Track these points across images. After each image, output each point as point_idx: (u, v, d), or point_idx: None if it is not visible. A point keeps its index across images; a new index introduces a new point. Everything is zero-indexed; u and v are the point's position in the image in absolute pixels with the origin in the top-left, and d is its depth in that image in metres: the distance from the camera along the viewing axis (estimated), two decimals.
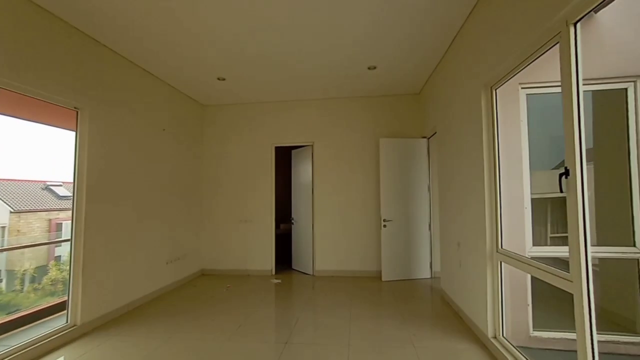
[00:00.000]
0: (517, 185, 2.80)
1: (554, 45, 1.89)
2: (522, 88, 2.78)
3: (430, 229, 4.91)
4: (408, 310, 3.62)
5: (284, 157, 6.72)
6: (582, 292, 1.75)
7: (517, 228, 2.81)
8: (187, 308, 3.81)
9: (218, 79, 4.41)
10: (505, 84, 2.54)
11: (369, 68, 4.10)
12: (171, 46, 3.46)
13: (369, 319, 3.41)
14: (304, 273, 5.43)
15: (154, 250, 4.22)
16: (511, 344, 2.53)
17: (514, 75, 2.36)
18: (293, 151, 5.88)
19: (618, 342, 2.81)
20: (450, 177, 3.68)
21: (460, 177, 3.33)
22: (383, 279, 4.78)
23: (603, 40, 2.80)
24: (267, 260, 5.38)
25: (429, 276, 4.90)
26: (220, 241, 5.49)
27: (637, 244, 2.80)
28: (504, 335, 2.66)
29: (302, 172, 5.60)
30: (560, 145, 3.51)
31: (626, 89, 2.79)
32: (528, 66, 2.22)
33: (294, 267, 5.74)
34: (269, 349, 2.77)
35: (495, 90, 2.61)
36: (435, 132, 4.29)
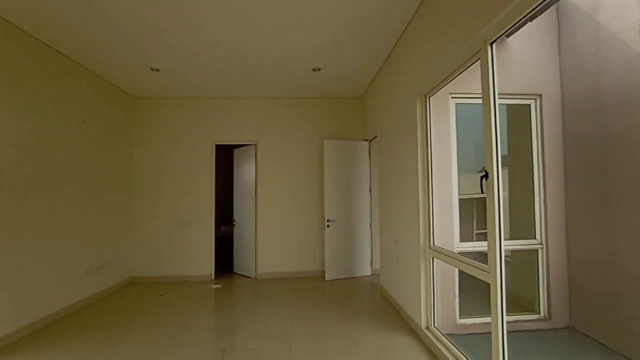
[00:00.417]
0: (447, 186, 3.06)
1: (476, 61, 2.10)
2: (452, 98, 3.06)
3: (371, 228, 5.14)
4: (349, 308, 3.73)
5: (225, 156, 6.43)
6: (497, 281, 1.97)
7: (447, 226, 3.08)
8: (113, 321, 3.40)
9: (151, 69, 4.04)
10: (438, 92, 2.77)
11: (313, 69, 4.13)
12: (95, 31, 3.06)
13: (311, 319, 3.43)
14: (246, 276, 5.26)
15: (69, 259, 3.69)
16: (441, 333, 2.76)
17: (444, 85, 2.58)
18: (235, 150, 5.67)
19: (522, 321, 3.25)
20: (389, 179, 3.89)
21: (398, 178, 3.54)
22: (326, 279, 4.86)
23: (513, 62, 3.23)
24: (206, 264, 5.09)
25: (370, 273, 5.12)
26: (153, 246, 5.03)
27: (536, 237, 3.28)
28: (435, 325, 2.89)
29: (245, 172, 5.42)
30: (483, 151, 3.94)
31: (530, 105, 3.26)
32: (457, 77, 2.45)
33: (235, 270, 5.53)
34: (205, 359, 2.61)
35: (429, 98, 2.83)
36: (376, 136, 4.50)
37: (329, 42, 3.42)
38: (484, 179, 2.02)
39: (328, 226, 4.85)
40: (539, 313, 3.30)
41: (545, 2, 1.57)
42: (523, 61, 3.26)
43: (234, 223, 5.59)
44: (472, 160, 3.67)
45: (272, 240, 5.16)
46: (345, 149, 5.05)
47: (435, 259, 2.86)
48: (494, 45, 1.96)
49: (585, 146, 3.06)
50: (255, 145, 5.26)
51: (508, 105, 3.42)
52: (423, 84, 2.79)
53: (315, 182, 5.24)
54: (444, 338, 2.68)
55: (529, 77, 3.25)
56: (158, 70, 4.08)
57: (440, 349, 2.56)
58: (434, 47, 2.56)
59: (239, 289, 4.65)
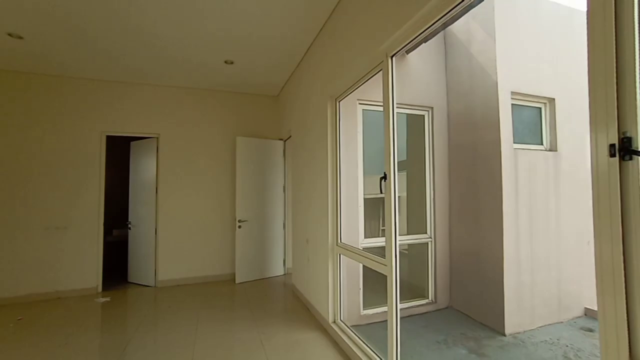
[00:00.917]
0: (354, 187, 3.26)
1: (378, 72, 2.28)
2: (360, 104, 3.28)
3: (284, 227, 5.14)
4: (259, 310, 3.64)
5: (120, 150, 5.59)
6: (392, 273, 2.17)
7: (354, 224, 3.28)
8: None
9: (9, 35, 3.20)
10: (347, 98, 2.92)
11: (226, 62, 3.90)
12: None
13: (218, 325, 3.22)
14: (144, 285, 4.66)
15: None
16: (347, 326, 2.91)
17: (352, 91, 2.73)
18: (132, 143, 4.96)
19: (415, 306, 3.69)
20: (301, 179, 3.95)
21: (310, 178, 3.61)
22: (237, 281, 4.66)
23: (412, 76, 3.66)
24: (90, 275, 4.30)
25: (282, 273, 5.11)
26: (10, 257, 4.01)
27: (427, 232, 3.77)
28: (342, 318, 3.04)
29: (144, 168, 4.79)
30: (399, 154, 4.33)
31: (424, 116, 3.74)
32: (365, 85, 2.62)
33: (131, 280, 4.83)
34: None
35: (339, 102, 2.96)
36: (290, 136, 4.52)
37: (243, 36, 3.26)
38: (383, 180, 2.20)
39: (239, 226, 4.65)
40: (428, 298, 3.80)
41: (433, 25, 1.80)
42: (419, 77, 3.72)
43: (129, 226, 4.88)
44: (379, 163, 4.01)
45: (175, 244, 4.68)
46: (259, 147, 4.92)
47: (342, 255, 3.00)
48: (394, 58, 2.15)
49: (463, 154, 3.65)
50: (158, 138, 4.69)
51: (408, 114, 3.84)
52: (334, 88, 2.90)
53: (226, 180, 4.97)
54: (349, 330, 2.84)
55: (424, 91, 3.72)
56: (21, 38, 3.26)
57: (345, 342, 2.69)
58: (344, 54, 2.68)
59: (135, 300, 4.07)
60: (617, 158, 1.02)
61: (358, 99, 3.23)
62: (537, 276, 3.32)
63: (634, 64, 0.99)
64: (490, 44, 3.24)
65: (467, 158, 3.57)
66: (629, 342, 1.01)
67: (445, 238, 3.80)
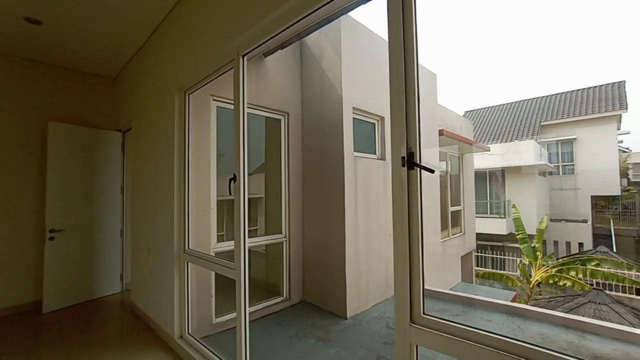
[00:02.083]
0: (206, 188, 3.04)
1: (230, 69, 2.20)
2: (214, 100, 3.09)
3: (122, 235, 4.31)
4: (80, 342, 2.90)
5: None
6: (241, 278, 2.12)
7: (205, 228, 3.05)
8: None
9: None
10: (198, 92, 2.69)
11: (27, 19, 2.93)
12: None
13: None
14: None
15: None
16: (195, 339, 2.67)
17: (204, 85, 2.54)
18: None
19: (270, 305, 3.76)
20: (144, 178, 3.41)
21: (153, 178, 3.16)
22: (46, 310, 3.56)
23: (270, 80, 3.74)
24: None
25: (119, 290, 4.26)
26: None
27: (282, 231, 3.93)
28: (190, 332, 2.77)
29: None
30: (255, 157, 4.26)
31: (280, 120, 3.88)
32: (221, 81, 2.46)
33: None
34: None
35: (189, 95, 2.69)
36: (131, 127, 3.84)
37: None
38: (232, 181, 2.13)
39: (51, 238, 3.60)
40: (283, 295, 3.95)
41: (286, 30, 1.85)
42: (277, 82, 3.84)
43: None
44: (249, 163, 3.91)
45: None
46: (88, 138, 3.96)
47: (190, 263, 2.75)
48: (245, 58, 2.11)
49: (315, 159, 3.99)
50: None
51: (266, 117, 3.89)
52: (183, 79, 2.63)
53: (29, 178, 3.74)
54: (198, 343, 2.61)
55: (281, 96, 3.86)
56: None
57: (193, 356, 2.47)
58: (195, 45, 2.47)
59: None
60: (405, 168, 1.30)
61: (212, 95, 3.04)
62: (371, 264, 3.97)
63: (414, 95, 1.29)
64: (337, 62, 3.68)
65: (318, 162, 3.93)
66: (410, 308, 1.31)
67: (299, 236, 4.06)
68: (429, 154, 5.80)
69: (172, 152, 2.72)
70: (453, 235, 7.46)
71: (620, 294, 8.15)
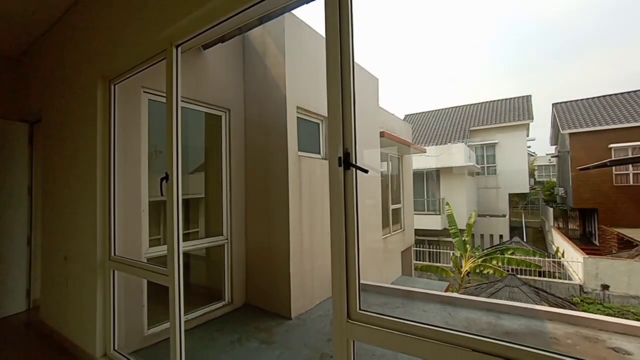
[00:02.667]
0: (135, 188, 2.77)
1: (163, 59, 2.02)
2: (145, 92, 2.82)
3: (30, 244, 3.72)
4: None
5: None
6: (175, 284, 1.97)
7: (135, 232, 2.78)
8: None
9: None
10: (126, 82, 2.43)
11: None
12: None
13: None
14: None
15: None
16: (123, 355, 2.42)
17: (132, 75, 2.30)
18: None
19: (211, 311, 3.58)
20: (58, 177, 2.98)
21: (70, 177, 2.78)
22: None
23: (209, 74, 3.54)
24: None
25: (25, 309, 3.67)
26: None
27: (224, 233, 3.76)
28: (116, 347, 2.50)
29: None
30: (195, 155, 3.99)
31: (221, 117, 3.71)
32: (155, 72, 2.24)
33: None
34: None
35: (114, 85, 2.42)
36: (42, 118, 3.32)
37: None
38: (164, 180, 1.97)
39: None
40: (225, 300, 3.78)
41: (224, 22, 1.76)
42: (218, 77, 3.66)
43: None
44: (186, 162, 3.64)
45: None
46: None
47: (116, 272, 2.47)
48: (179, 48, 1.96)
49: (258, 157, 3.89)
50: None
51: (206, 113, 3.68)
52: (109, 67, 2.35)
53: None
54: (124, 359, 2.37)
55: (222, 92, 3.68)
56: None
57: None
58: (123, 31, 2.22)
59: None
60: (342, 168, 1.33)
61: (143, 87, 2.77)
62: (316, 263, 4.00)
63: (350, 98, 1.32)
64: (281, 60, 3.63)
65: (261, 161, 3.84)
66: (347, 305, 1.34)
67: (241, 238, 3.92)
68: (371, 155, 6.07)
69: (95, 149, 2.42)
70: (394, 231, 7.92)
71: (528, 277, 9.44)
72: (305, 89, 3.94)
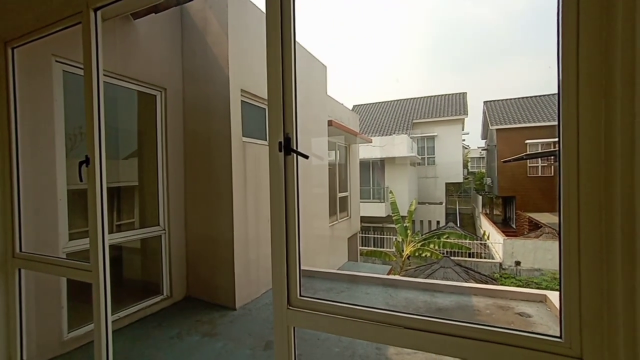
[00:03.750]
0: (49, 175, 2.39)
1: (77, 24, 1.74)
2: (58, 62, 2.42)
3: None
4: None
5: None
6: (100, 280, 1.76)
7: (49, 224, 2.42)
8: None
9: None
10: (30, 47, 2.05)
11: None
12: None
13: None
14: None
15: None
16: None
17: (38, 38, 1.94)
18: None
19: (148, 306, 3.33)
20: None
21: None
22: None
23: (141, 48, 3.17)
24: None
25: None
26: None
27: (160, 223, 3.49)
28: (24, 358, 2.18)
29: None
30: (127, 139, 3.57)
31: (156, 96, 3.38)
32: (64, 36, 1.92)
33: None
34: None
35: (13, 49, 2.03)
36: None
37: None
38: (84, 165, 1.72)
39: None
40: (163, 294, 3.54)
41: None
42: (152, 50, 3.29)
43: None
44: (112, 147, 3.26)
45: None
46: None
47: (23, 270, 2.14)
48: (99, 12, 1.70)
49: (198, 142, 3.64)
50: None
51: (139, 92, 3.32)
52: (4, 25, 1.95)
53: None
54: None
55: (155, 68, 3.33)
56: None
57: None
58: None
59: None
60: (282, 153, 1.28)
61: (55, 55, 2.37)
62: (261, 251, 3.93)
63: (291, 81, 1.27)
64: (223, 38, 3.40)
65: (203, 146, 3.60)
66: (288, 292, 1.32)
67: (180, 227, 3.68)
68: (318, 143, 6.09)
69: None
70: (341, 219, 8.14)
71: (460, 258, 10.49)
72: (251, 72, 3.76)
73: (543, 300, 3.73)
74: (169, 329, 3.09)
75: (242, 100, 3.60)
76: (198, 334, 3.03)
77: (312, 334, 2.97)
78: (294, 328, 1.34)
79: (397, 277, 5.28)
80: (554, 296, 3.67)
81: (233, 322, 3.27)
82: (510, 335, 0.93)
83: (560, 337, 0.88)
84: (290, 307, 1.31)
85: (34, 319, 2.29)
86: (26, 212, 2.16)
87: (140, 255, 3.80)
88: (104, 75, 1.86)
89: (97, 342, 1.81)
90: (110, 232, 3.40)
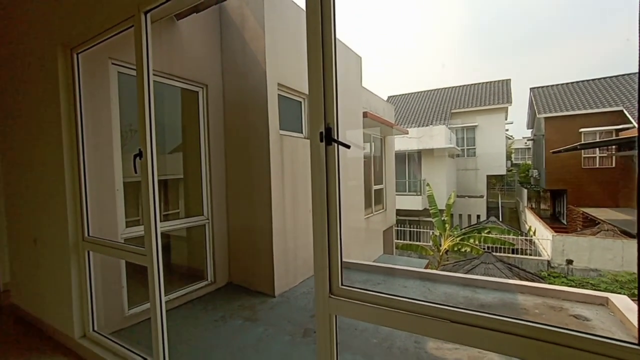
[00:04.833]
0: (108, 167, 2.63)
1: (130, 27, 1.88)
2: (114, 64, 2.63)
3: None
4: None
5: None
6: (153, 264, 1.92)
7: (109, 212, 2.67)
8: None
9: None
10: (91, 52, 2.25)
11: None
12: None
13: None
14: None
15: None
16: (103, 335, 2.38)
17: (98, 44, 2.13)
18: None
19: (194, 290, 3.56)
20: (20, 156, 2.80)
21: (34, 155, 2.61)
22: None
23: (184, 47, 3.34)
24: None
25: None
26: None
27: (204, 213, 3.69)
28: (95, 329, 2.45)
29: None
30: (172, 135, 3.83)
31: (198, 93, 3.54)
32: (118, 41, 2.09)
33: None
34: None
35: (78, 55, 2.24)
36: None
37: None
38: (138, 158, 1.87)
39: None
40: (207, 279, 3.77)
41: None
42: (194, 50, 3.46)
43: None
44: (162, 141, 3.51)
45: None
46: None
47: (91, 252, 2.39)
48: (148, 15, 1.82)
49: (238, 135, 3.77)
50: None
51: (182, 89, 3.50)
52: (69, 33, 2.16)
53: None
54: (106, 340, 2.33)
55: (198, 66, 3.50)
56: None
57: (100, 355, 2.20)
58: None
59: None
60: (323, 143, 1.29)
61: (111, 58, 2.58)
62: (299, 241, 4.02)
63: (332, 71, 1.27)
64: (260, 33, 3.47)
65: (242, 140, 3.74)
66: (329, 281, 1.34)
67: (223, 217, 3.87)
68: (353, 135, 6.04)
69: (60, 125, 2.26)
70: (376, 211, 8.06)
71: (502, 254, 9.94)
72: (287, 66, 3.81)
73: (604, 303, 3.37)
74: (214, 312, 3.29)
75: (278, 94, 3.67)
76: (240, 318, 3.18)
77: (350, 324, 3.00)
78: (335, 316, 1.37)
79: (435, 271, 5.13)
80: (618, 299, 3.30)
81: (272, 309, 3.39)
82: (575, 337, 0.85)
83: (637, 344, 0.79)
84: (332, 296, 1.33)
85: (101, 296, 2.56)
86: (91, 201, 2.40)
87: (186, 243, 4.07)
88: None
89: (153, 318, 1.99)
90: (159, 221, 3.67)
